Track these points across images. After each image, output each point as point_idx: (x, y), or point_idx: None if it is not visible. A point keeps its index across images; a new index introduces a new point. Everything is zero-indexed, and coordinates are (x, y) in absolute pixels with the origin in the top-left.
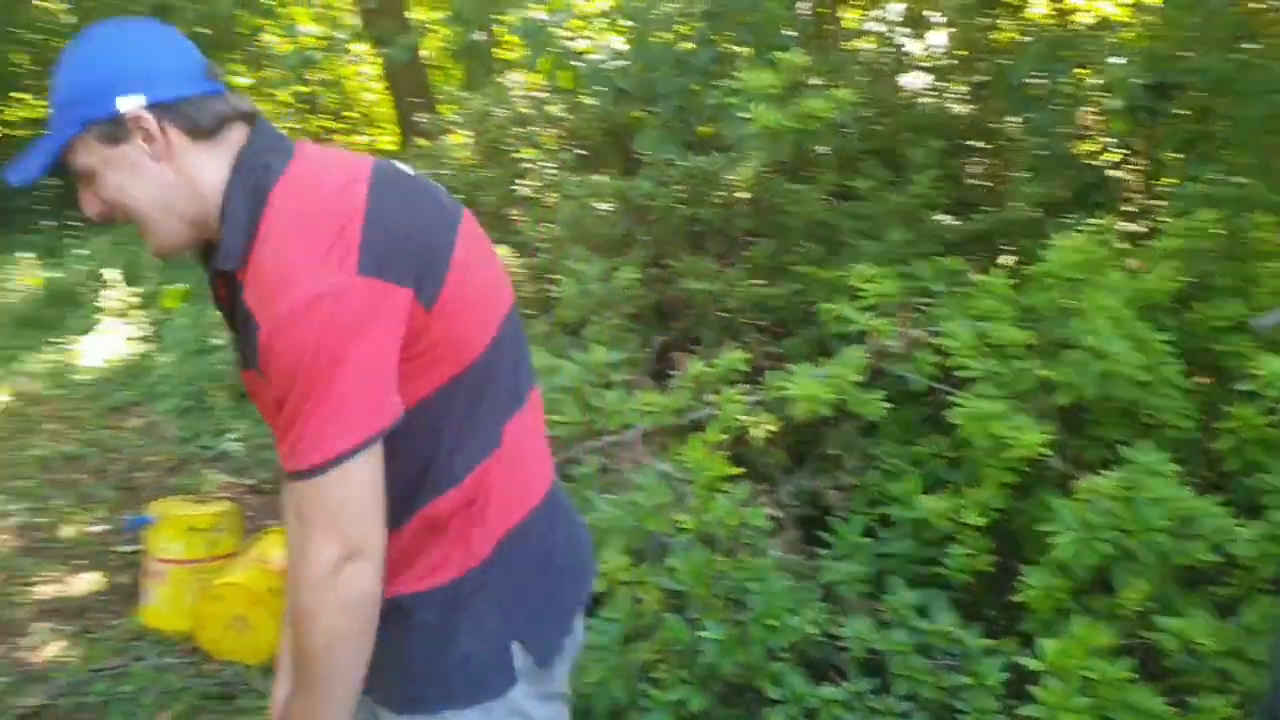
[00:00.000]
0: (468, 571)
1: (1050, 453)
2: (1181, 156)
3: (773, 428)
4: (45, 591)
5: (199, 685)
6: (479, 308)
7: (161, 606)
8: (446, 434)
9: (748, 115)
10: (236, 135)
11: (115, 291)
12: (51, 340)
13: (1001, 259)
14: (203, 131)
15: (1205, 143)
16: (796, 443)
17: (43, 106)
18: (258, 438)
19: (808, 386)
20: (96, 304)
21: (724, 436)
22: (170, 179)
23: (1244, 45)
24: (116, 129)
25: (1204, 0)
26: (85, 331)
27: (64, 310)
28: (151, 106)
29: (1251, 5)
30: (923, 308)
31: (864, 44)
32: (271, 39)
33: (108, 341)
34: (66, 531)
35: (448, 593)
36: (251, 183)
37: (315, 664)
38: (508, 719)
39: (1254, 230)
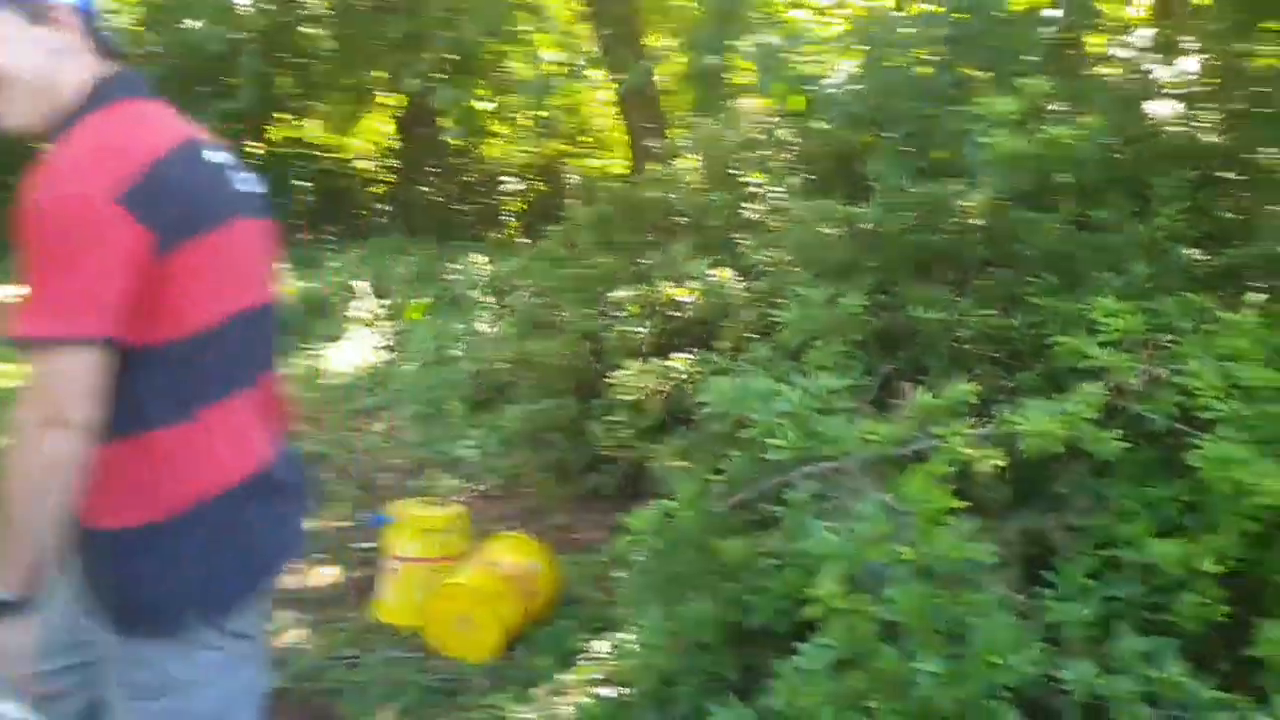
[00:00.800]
0: (147, 523)
1: None
2: None
3: (1000, 463)
4: (288, 581)
5: (424, 680)
6: (216, 291)
7: (394, 602)
8: (145, 388)
9: (986, 140)
10: (107, 64)
11: (363, 302)
12: (304, 346)
13: (1251, 296)
14: (96, 46)
15: None
16: (1023, 479)
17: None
18: (490, 446)
19: (1041, 422)
20: (346, 314)
21: (949, 469)
22: (51, 66)
23: None
24: (39, 9)
25: None
26: (335, 339)
27: (316, 318)
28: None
29: None
30: (1166, 345)
31: (1109, 70)
32: (515, 65)
33: (355, 349)
34: (309, 526)
35: (135, 536)
36: (96, 96)
37: (15, 507)
38: (187, 656)
39: None
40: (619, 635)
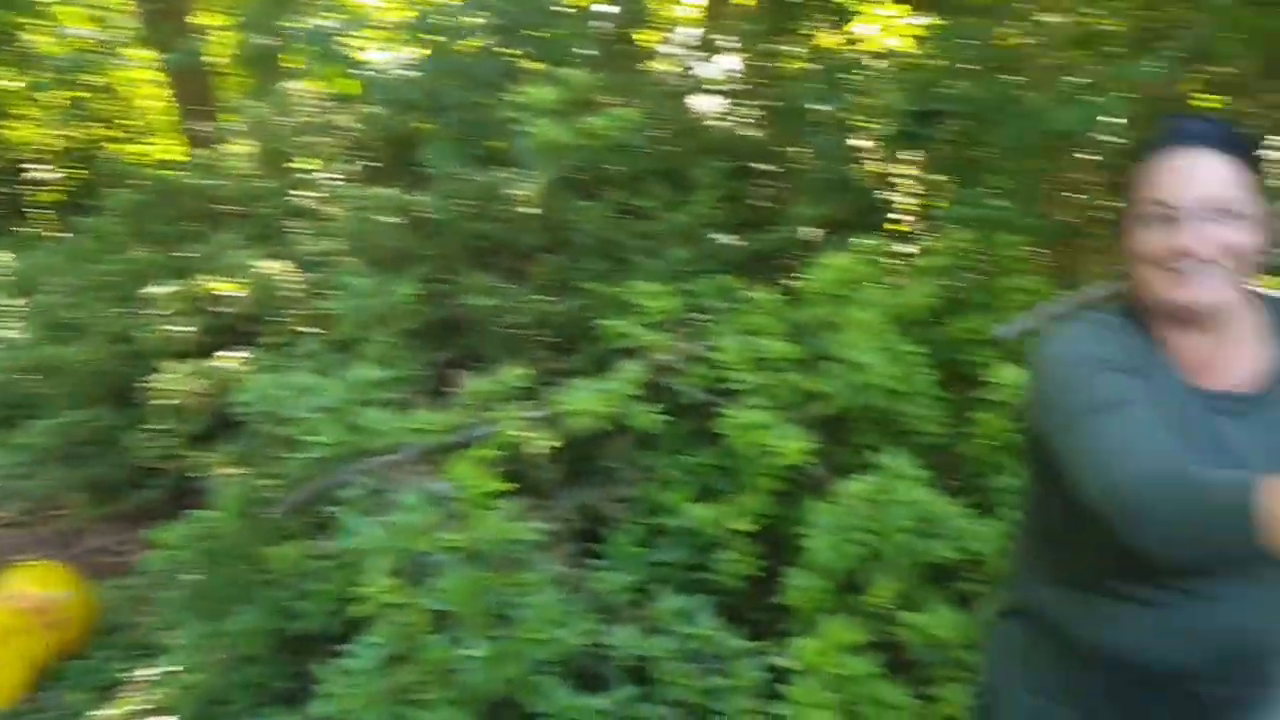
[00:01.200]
0: None
1: (813, 460)
2: (949, 180)
3: (552, 443)
4: None
5: None
6: None
7: None
8: None
9: (528, 129)
10: None
11: None
12: None
13: (781, 278)
14: None
15: (970, 167)
16: (577, 458)
17: None
18: (12, 467)
19: (585, 401)
20: None
21: (496, 453)
22: None
23: (1004, 77)
24: None
25: (969, 33)
26: None
27: None
28: None
29: (1013, 40)
30: (700, 323)
31: (658, 66)
32: (39, 39)
33: None
34: None
35: None
36: None
37: None
38: None
39: (1005, 249)
40: (163, 659)
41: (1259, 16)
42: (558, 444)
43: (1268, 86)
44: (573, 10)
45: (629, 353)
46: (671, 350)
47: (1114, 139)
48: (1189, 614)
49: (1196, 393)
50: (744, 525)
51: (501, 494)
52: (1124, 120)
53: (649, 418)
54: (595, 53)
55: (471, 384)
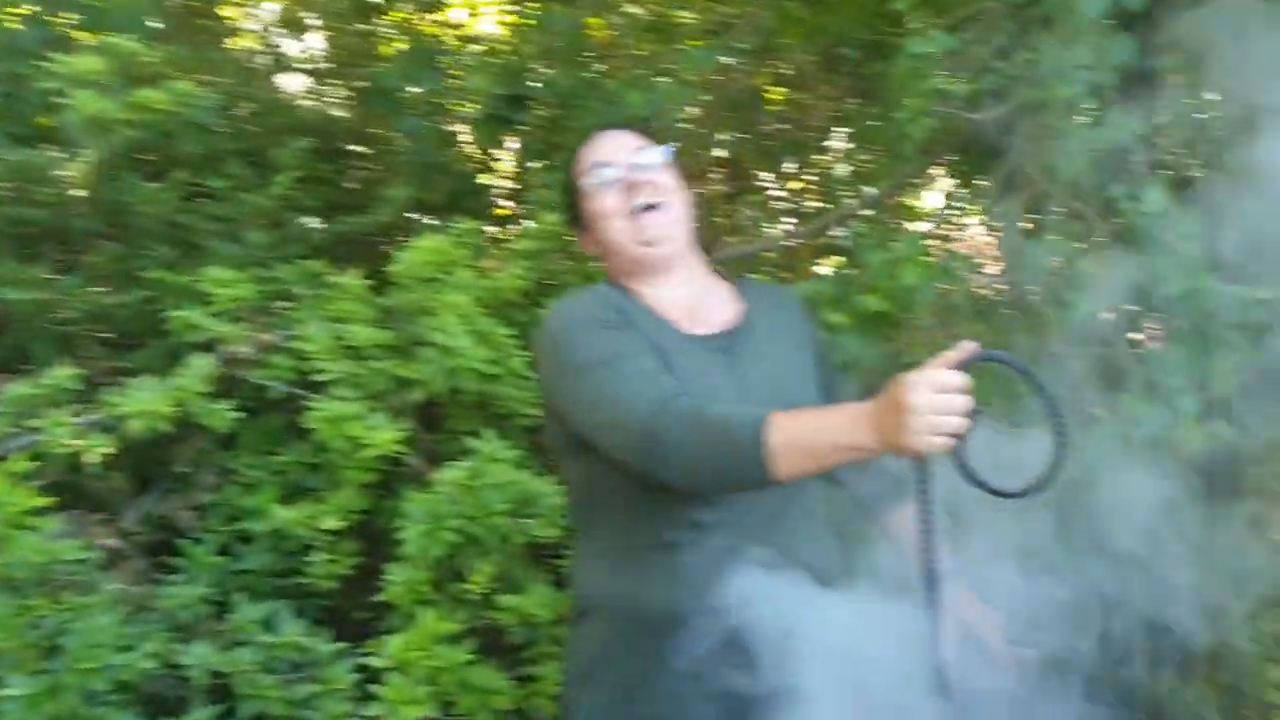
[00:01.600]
0: None
1: (406, 450)
2: (539, 164)
3: (108, 450)
4: None
5: None
6: None
7: None
8: None
9: (69, 102)
10: None
11: None
12: None
13: (372, 263)
14: None
15: (558, 152)
16: (144, 465)
17: None
18: None
19: (145, 401)
20: None
21: (37, 465)
22: None
23: (589, 64)
24: None
25: (558, 21)
26: None
27: None
28: None
29: (599, 29)
30: (280, 312)
31: (243, 42)
32: None
33: None
34: None
35: None
36: None
37: None
38: None
39: None
40: None
41: (813, 13)
42: (112, 451)
43: (826, 79)
44: None
45: (201, 346)
46: (248, 341)
47: (689, 126)
48: (728, 545)
49: (688, 338)
50: (335, 523)
51: (44, 510)
52: (695, 107)
53: (221, 416)
54: (162, 25)
55: (10, 389)
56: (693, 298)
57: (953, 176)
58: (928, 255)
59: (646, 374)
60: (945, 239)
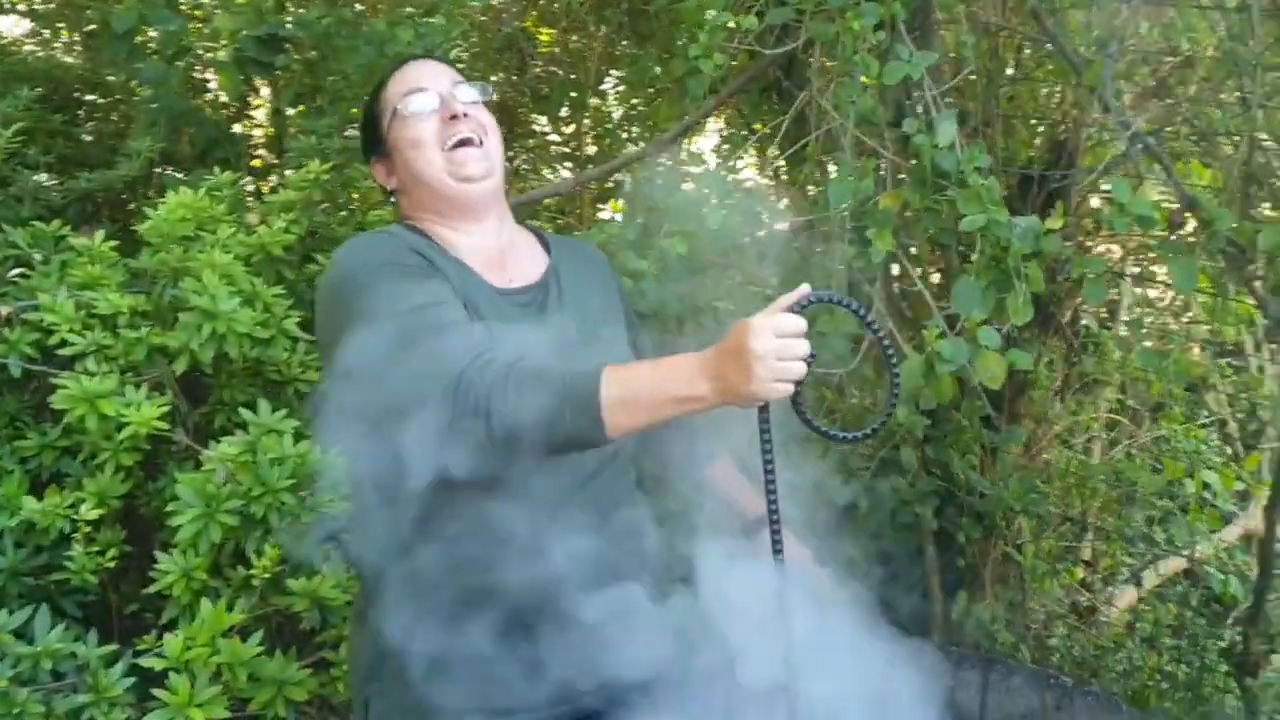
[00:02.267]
0: None
1: (166, 428)
2: (300, 110)
3: None
4: None
5: None
6: None
7: None
8: None
9: None
10: None
11: None
12: None
13: (119, 222)
14: None
15: (319, 96)
16: None
17: None
18: None
19: None
20: None
21: None
22: None
23: (351, 3)
24: None
25: None
26: None
27: None
28: None
29: None
30: (15, 280)
31: None
32: None
33: None
34: None
35: None
36: None
37: None
38: None
39: (362, 179)
40: None
41: None
42: None
43: (597, 19)
44: None
45: None
46: None
47: (459, 68)
48: (542, 516)
49: (498, 291)
50: (93, 512)
51: None
52: (463, 49)
53: None
54: None
55: None
56: (501, 248)
57: (738, 117)
58: (731, 196)
59: (458, 325)
60: (737, 181)
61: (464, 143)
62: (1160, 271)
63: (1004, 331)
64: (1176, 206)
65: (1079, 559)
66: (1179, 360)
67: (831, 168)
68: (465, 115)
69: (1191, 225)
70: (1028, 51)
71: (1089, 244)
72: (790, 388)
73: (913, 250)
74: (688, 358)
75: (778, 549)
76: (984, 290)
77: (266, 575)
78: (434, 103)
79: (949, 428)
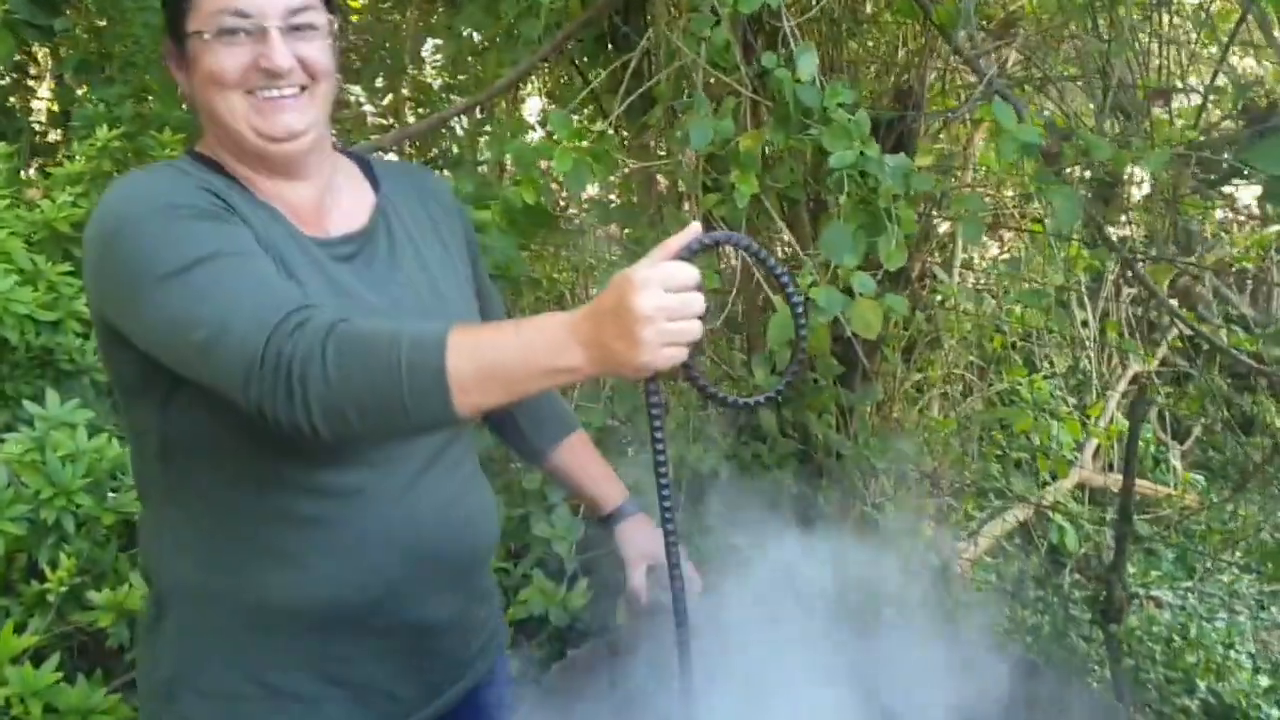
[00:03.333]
0: None
1: None
2: (83, 80)
3: None
4: None
5: None
6: None
7: None
8: None
9: None
10: None
11: None
12: None
13: None
14: None
15: (108, 65)
16: None
17: None
18: None
19: None
20: None
21: None
22: None
23: None
24: None
25: None
26: None
27: None
28: None
29: None
30: None
31: None
32: None
33: None
34: None
35: None
36: None
37: None
38: None
39: (160, 148)
40: None
41: None
42: None
43: None
44: None
45: None
46: None
47: None
48: (372, 517)
49: (310, 241)
50: None
51: None
52: None
53: None
54: None
55: None
56: (318, 192)
57: (572, 69)
58: (578, 141)
59: (263, 278)
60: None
61: (281, 96)
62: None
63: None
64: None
65: (929, 516)
66: (1044, 309)
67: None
68: (294, 60)
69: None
70: None
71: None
72: (684, 352)
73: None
74: (554, 319)
75: (670, 536)
76: (854, 234)
77: (63, 588)
78: (253, 29)
79: (806, 388)
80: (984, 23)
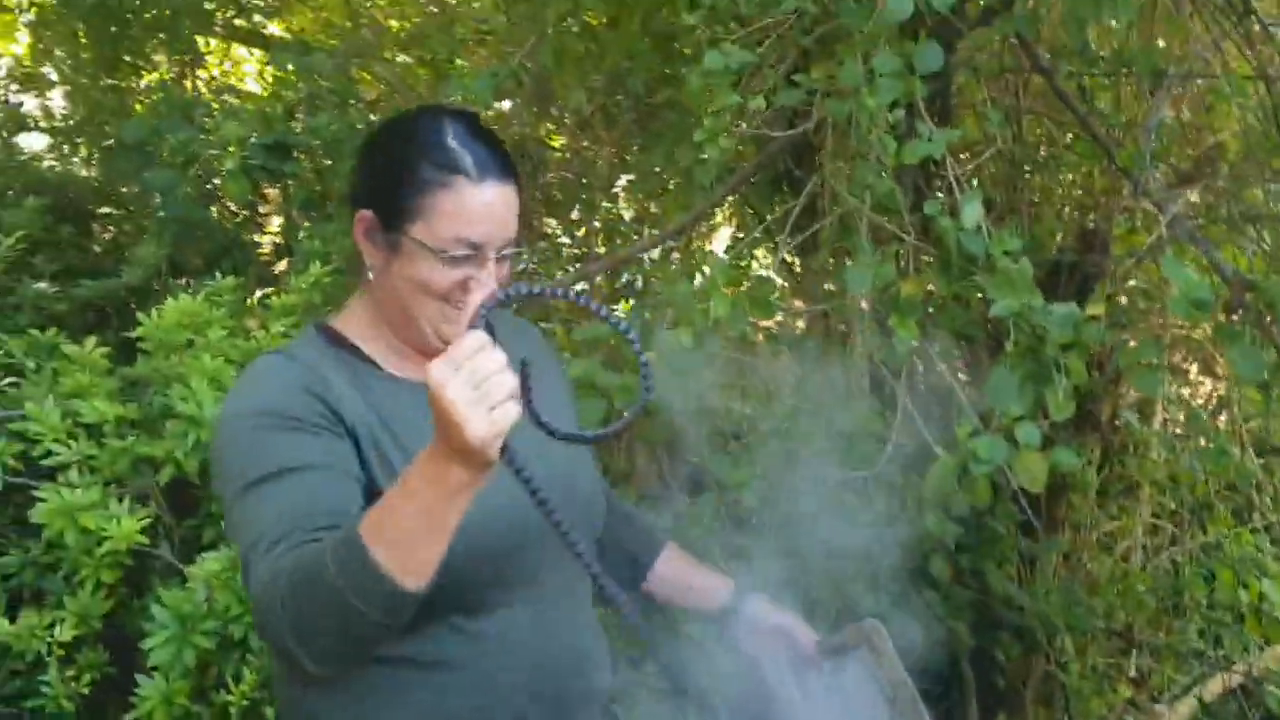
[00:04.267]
0: None
1: (145, 542)
2: (306, 215)
3: None
4: None
5: None
6: None
7: None
8: None
9: None
10: None
11: None
12: None
13: (116, 330)
14: None
15: (328, 202)
16: None
17: None
18: None
19: None
20: None
21: None
22: None
23: (362, 115)
24: None
25: (319, 64)
26: None
27: None
28: None
29: (361, 72)
30: (5, 389)
31: None
32: None
33: None
34: None
35: None
36: None
37: None
38: None
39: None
40: None
41: (591, 44)
42: None
43: (606, 123)
44: None
45: None
46: None
47: None
48: (505, 656)
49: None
50: (74, 633)
51: None
52: None
53: None
54: None
55: None
56: None
57: (745, 207)
58: (739, 283)
59: (300, 497)
60: (747, 271)
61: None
62: (1201, 363)
63: (1042, 430)
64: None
65: (1126, 676)
66: (1238, 461)
67: (847, 260)
68: (490, 283)
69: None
70: (1053, 134)
71: (1124, 336)
72: (510, 410)
73: (936, 345)
74: (419, 456)
75: (616, 601)
76: (1020, 383)
77: (245, 702)
78: (473, 264)
79: (983, 535)
80: (1175, 161)
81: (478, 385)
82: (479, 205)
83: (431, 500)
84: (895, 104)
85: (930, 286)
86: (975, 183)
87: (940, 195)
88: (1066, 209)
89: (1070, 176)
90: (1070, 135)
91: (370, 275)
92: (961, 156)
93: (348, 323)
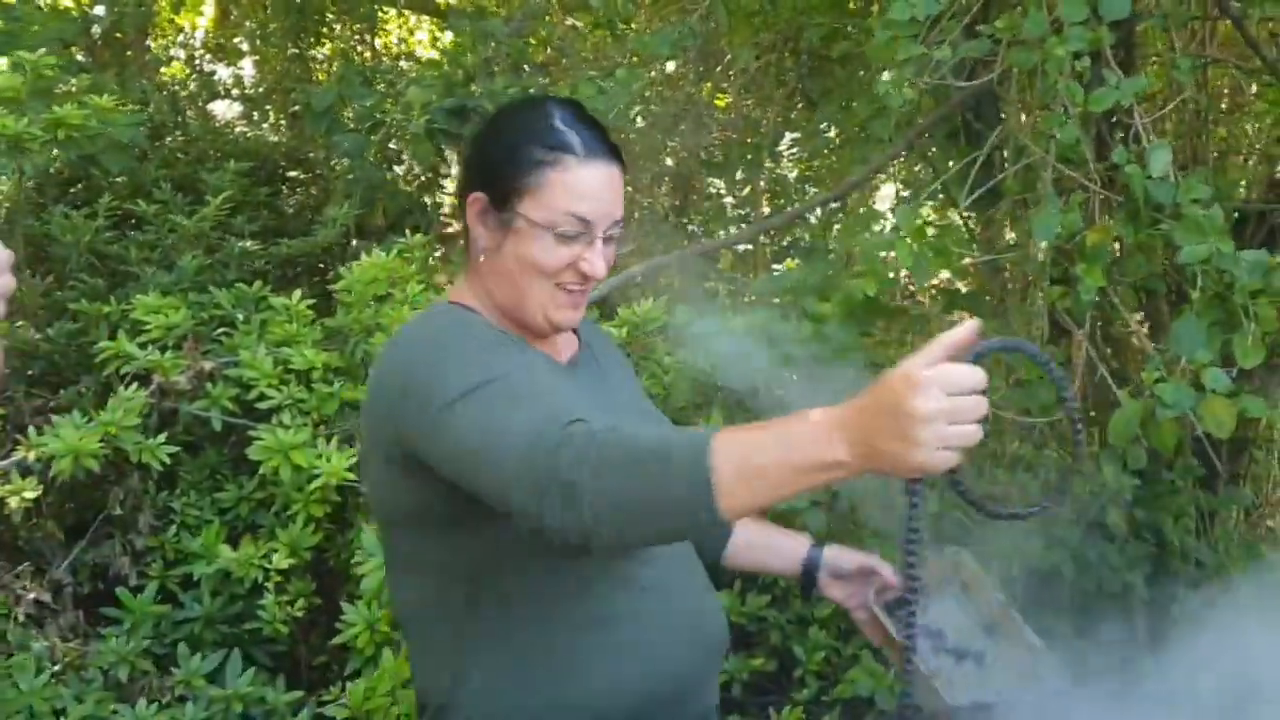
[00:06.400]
0: None
1: (356, 478)
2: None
3: (31, 494)
4: None
5: None
6: None
7: None
8: None
9: None
10: None
11: None
12: None
13: (317, 284)
14: None
15: None
16: (77, 509)
17: None
18: None
19: (71, 439)
20: None
21: None
22: None
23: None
24: None
25: (494, 28)
26: None
27: None
28: None
29: (537, 39)
30: (220, 339)
31: (172, 71)
32: None
33: None
34: None
35: None
36: None
37: None
38: None
39: None
40: None
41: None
42: (34, 495)
43: (776, 82)
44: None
45: (139, 379)
46: (184, 370)
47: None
48: (673, 610)
49: (561, 367)
50: (284, 561)
51: None
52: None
53: (157, 452)
54: (82, 57)
55: None
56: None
57: (919, 163)
58: (922, 234)
59: (539, 393)
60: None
61: (578, 289)
62: None
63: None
64: None
65: None
66: None
67: (1027, 212)
68: (600, 260)
69: None
70: (1240, 83)
71: None
72: (957, 457)
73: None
74: (814, 417)
75: (909, 643)
76: (1208, 330)
77: None
78: (584, 240)
79: (1161, 489)
80: None
81: (953, 420)
82: (588, 182)
83: (799, 458)
84: (1080, 52)
85: (1115, 236)
86: (1160, 132)
87: (1124, 145)
88: (1253, 159)
89: (1257, 126)
90: (1255, 85)
91: (481, 258)
92: (1144, 106)
93: (468, 299)
